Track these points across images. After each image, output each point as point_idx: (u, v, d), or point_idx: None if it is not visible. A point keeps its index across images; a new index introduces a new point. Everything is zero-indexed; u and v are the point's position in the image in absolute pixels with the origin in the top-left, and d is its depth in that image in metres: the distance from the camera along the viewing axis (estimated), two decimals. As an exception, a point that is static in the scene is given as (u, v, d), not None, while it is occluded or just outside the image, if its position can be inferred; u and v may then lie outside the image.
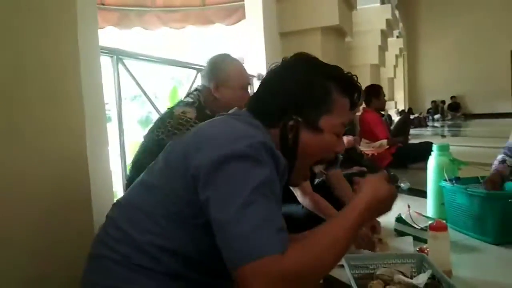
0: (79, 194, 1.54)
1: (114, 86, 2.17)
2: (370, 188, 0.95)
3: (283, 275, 0.74)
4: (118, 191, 2.21)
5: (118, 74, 2.20)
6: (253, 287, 0.73)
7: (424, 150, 3.29)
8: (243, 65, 1.97)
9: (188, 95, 1.92)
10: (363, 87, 4.41)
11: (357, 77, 1.10)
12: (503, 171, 2.14)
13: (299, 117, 0.99)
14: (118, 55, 2.21)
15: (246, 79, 1.94)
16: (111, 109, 2.26)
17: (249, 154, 0.83)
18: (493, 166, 2.23)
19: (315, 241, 0.81)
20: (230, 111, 1.11)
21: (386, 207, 0.98)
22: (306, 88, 1.00)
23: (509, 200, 1.93)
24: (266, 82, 1.07)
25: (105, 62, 2.24)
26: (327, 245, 0.81)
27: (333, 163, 2.33)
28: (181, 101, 1.90)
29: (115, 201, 1.07)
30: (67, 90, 1.50)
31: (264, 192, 0.81)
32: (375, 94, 4.55)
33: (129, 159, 2.46)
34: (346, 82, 1.05)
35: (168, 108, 1.88)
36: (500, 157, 2.27)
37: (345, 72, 1.07)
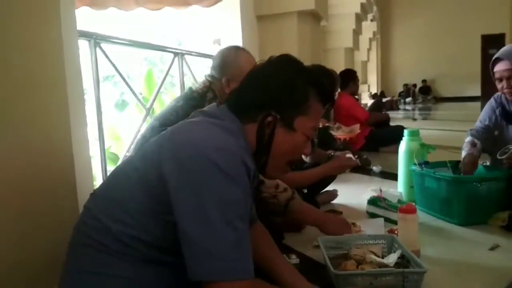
0: (64, 180, 1.55)
1: (92, 71, 2.15)
2: None
3: None
4: (97, 175, 2.22)
5: (96, 58, 2.18)
6: None
7: (396, 133, 3.39)
8: (254, 59, 1.90)
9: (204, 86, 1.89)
10: (337, 71, 4.46)
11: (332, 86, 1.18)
12: (477, 155, 2.23)
13: (278, 114, 1.05)
14: (95, 38, 2.18)
15: None
16: (87, 93, 2.25)
17: (225, 169, 0.89)
18: (465, 148, 2.29)
19: None
20: (207, 108, 1.13)
21: None
22: (289, 88, 1.06)
23: (474, 184, 2.04)
24: (251, 77, 1.12)
25: (83, 45, 2.22)
26: None
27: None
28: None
29: (93, 191, 1.10)
30: (51, 76, 1.50)
31: (237, 211, 0.89)
32: (352, 78, 4.67)
33: (107, 143, 2.45)
34: (324, 90, 1.12)
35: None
36: (468, 139, 2.33)
37: (324, 82, 1.14)
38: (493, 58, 2.17)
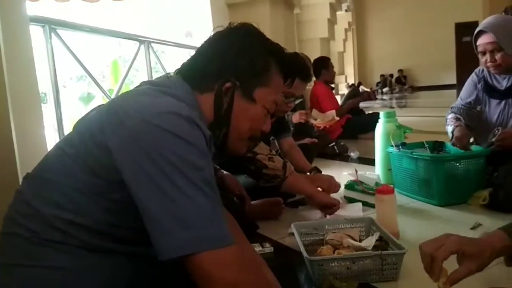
0: (4, 177, 1.41)
1: (48, 58, 2.01)
2: None
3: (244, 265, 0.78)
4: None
5: (51, 45, 2.04)
6: (219, 275, 0.74)
7: (373, 120, 3.35)
8: None
9: None
10: (312, 61, 4.37)
11: (303, 59, 1.10)
12: (465, 127, 2.17)
13: (237, 81, 0.97)
14: (50, 24, 2.04)
15: None
16: (47, 85, 2.12)
17: (178, 133, 0.78)
18: (450, 123, 2.23)
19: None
20: (156, 78, 1.04)
21: None
22: (249, 56, 0.99)
23: (453, 163, 1.98)
24: (208, 45, 1.03)
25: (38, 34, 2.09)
26: None
27: (283, 131, 2.35)
28: None
29: (25, 174, 0.97)
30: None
31: (201, 176, 0.78)
32: (324, 66, 4.53)
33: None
34: (285, 62, 1.06)
35: None
36: (451, 115, 2.28)
37: (288, 53, 1.08)
38: (476, 30, 2.09)
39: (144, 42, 2.89)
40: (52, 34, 2.08)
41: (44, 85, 2.13)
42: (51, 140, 2.05)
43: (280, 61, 1.04)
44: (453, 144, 2.11)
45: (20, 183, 0.95)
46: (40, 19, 2.01)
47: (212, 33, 1.05)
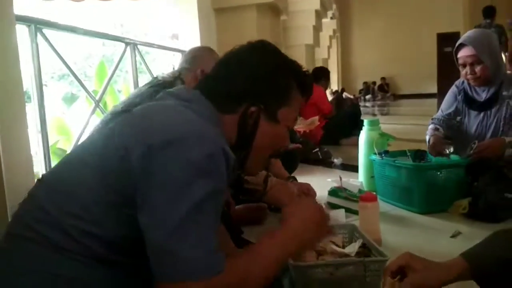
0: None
1: (32, 59, 1.98)
2: (300, 213, 1.00)
3: None
4: (40, 172, 2.06)
5: (36, 45, 2.01)
6: None
7: (351, 116, 3.52)
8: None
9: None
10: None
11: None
12: (441, 135, 2.25)
13: (261, 105, 0.98)
14: (36, 24, 2.02)
15: None
16: (31, 84, 2.09)
17: (203, 160, 0.78)
18: (428, 133, 2.33)
19: (247, 262, 0.84)
20: (177, 90, 1.01)
21: (318, 229, 1.02)
22: (272, 77, 1.00)
23: (434, 171, 2.02)
24: (228, 64, 1.03)
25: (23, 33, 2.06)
26: (259, 267, 0.84)
27: None
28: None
29: (40, 177, 0.96)
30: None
31: (206, 207, 0.78)
32: (324, 75, 5.14)
33: (52, 139, 2.28)
34: (304, 81, 1.07)
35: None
36: (431, 126, 2.37)
37: (305, 71, 1.08)
38: (457, 43, 2.15)
39: (130, 44, 2.88)
40: (38, 34, 2.05)
41: (25, 84, 2.10)
42: (34, 140, 2.02)
43: (300, 80, 1.05)
44: (430, 153, 2.17)
45: (34, 185, 0.94)
46: (26, 19, 1.98)
47: (232, 51, 1.05)
